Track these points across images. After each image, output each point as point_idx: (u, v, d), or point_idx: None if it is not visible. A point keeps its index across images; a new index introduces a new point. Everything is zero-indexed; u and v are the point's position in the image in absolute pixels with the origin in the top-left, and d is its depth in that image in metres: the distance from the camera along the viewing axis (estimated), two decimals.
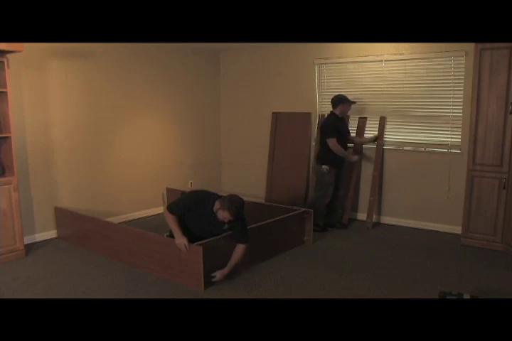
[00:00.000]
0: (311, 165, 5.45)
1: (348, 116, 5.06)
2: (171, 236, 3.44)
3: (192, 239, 3.36)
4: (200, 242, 3.31)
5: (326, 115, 4.87)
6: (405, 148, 4.86)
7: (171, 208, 3.47)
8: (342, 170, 4.81)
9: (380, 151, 4.93)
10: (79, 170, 4.72)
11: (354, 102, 4.71)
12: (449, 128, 4.61)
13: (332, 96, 4.73)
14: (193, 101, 5.86)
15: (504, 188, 3.97)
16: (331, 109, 4.71)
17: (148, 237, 3.61)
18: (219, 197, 3.45)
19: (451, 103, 4.56)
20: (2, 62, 3.66)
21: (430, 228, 4.80)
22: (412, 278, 3.51)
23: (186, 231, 3.43)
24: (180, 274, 3.38)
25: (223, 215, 3.29)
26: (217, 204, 3.36)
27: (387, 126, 4.97)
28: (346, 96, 4.66)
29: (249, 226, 3.63)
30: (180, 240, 3.30)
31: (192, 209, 3.45)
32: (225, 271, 3.37)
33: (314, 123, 5.43)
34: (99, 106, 4.81)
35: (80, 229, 4.28)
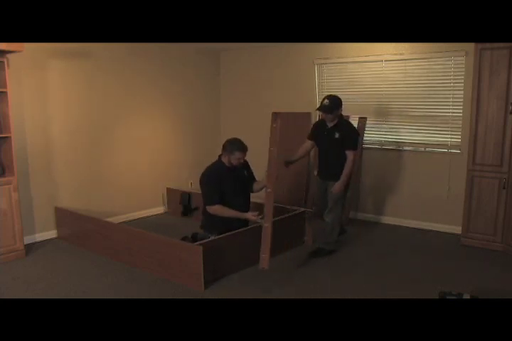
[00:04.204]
0: (310, 167, 5.45)
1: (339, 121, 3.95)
2: (205, 236, 3.55)
3: (239, 224, 3.64)
4: (200, 242, 3.31)
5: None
6: (405, 148, 4.86)
7: (209, 202, 3.59)
8: (322, 180, 4.11)
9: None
10: (79, 170, 4.72)
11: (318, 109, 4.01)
12: (449, 128, 4.61)
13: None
14: (193, 101, 5.86)
15: (504, 188, 3.97)
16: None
17: (148, 237, 3.62)
18: (219, 157, 3.70)
19: (451, 103, 4.56)
20: (2, 62, 3.66)
21: (430, 228, 4.79)
22: (412, 278, 3.51)
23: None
24: (180, 274, 3.38)
25: (238, 157, 3.57)
26: (223, 158, 3.64)
27: (386, 126, 4.97)
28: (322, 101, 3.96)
29: (248, 227, 3.75)
30: (249, 215, 3.54)
31: (221, 183, 3.59)
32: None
33: None
34: (99, 106, 4.81)
35: (80, 229, 4.27)
